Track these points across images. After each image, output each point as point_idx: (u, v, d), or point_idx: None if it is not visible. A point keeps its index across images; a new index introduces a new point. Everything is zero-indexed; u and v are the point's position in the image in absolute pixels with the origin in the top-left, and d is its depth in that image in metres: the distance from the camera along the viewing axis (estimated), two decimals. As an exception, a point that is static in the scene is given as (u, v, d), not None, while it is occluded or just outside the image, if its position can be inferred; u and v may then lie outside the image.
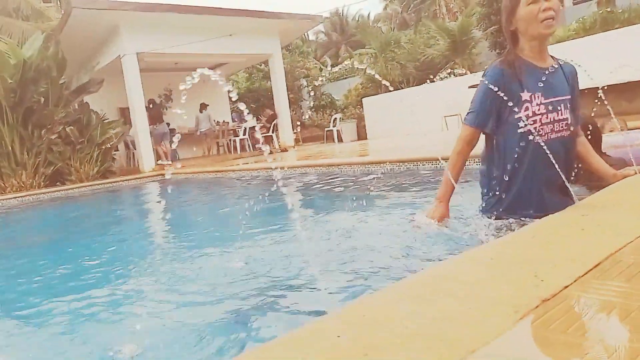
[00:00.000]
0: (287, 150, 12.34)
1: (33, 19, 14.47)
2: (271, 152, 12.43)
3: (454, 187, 1.95)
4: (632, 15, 8.68)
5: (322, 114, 16.65)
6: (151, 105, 11.49)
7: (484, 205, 1.99)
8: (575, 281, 0.94)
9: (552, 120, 1.83)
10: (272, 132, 13.38)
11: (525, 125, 1.80)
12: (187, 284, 2.00)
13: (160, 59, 11.74)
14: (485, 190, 1.98)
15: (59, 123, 9.20)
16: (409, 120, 11.31)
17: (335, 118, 13.99)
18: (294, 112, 17.04)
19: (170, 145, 11.84)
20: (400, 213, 2.74)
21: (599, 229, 1.30)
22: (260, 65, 17.51)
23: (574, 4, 17.54)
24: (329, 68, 23.13)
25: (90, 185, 8.81)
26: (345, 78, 20.37)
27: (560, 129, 1.84)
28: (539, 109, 1.82)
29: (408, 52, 13.95)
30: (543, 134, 1.81)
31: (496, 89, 1.82)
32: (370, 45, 16.78)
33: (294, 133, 14.13)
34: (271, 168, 7.19)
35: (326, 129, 14.19)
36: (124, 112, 12.82)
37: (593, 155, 1.99)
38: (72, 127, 9.31)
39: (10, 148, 8.84)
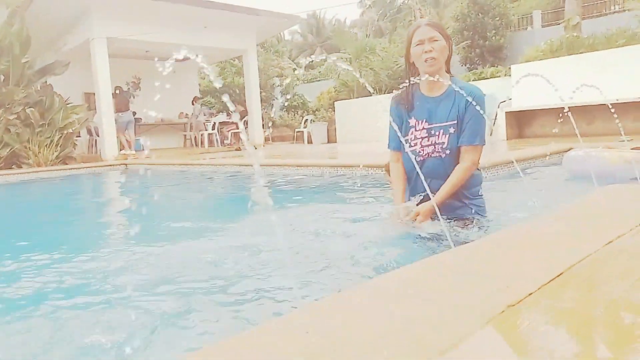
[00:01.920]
0: (256, 148, 12.25)
1: (-3, -7, 13.81)
2: (239, 149, 12.31)
3: (403, 193, 2.31)
4: (596, 41, 9.08)
5: (294, 115, 16.63)
6: (118, 92, 11.18)
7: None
8: (539, 289, 0.97)
9: (432, 142, 2.19)
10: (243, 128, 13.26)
11: (410, 146, 2.23)
12: (144, 275, 1.95)
13: (130, 46, 11.44)
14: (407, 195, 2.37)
15: (19, 103, 8.82)
16: (379, 127, 11.43)
17: (307, 119, 14.00)
18: (265, 111, 16.95)
19: (135, 135, 11.54)
20: (368, 216, 2.75)
21: (560, 240, 1.35)
22: (234, 61, 17.33)
23: (543, 26, 18.24)
24: (302, 69, 23.16)
25: (49, 171, 8.46)
26: (319, 80, 20.43)
27: (439, 150, 2.18)
28: (420, 133, 2.22)
29: (382, 60, 14.12)
30: (424, 154, 2.22)
31: (392, 120, 2.29)
32: (345, 50, 16.89)
33: (265, 131, 14.05)
34: (239, 164, 7.11)
35: (296, 130, 14.18)
36: (89, 98, 12.43)
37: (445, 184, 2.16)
38: (32, 109, 8.93)
39: (-38, 126, 8.41)
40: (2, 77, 8.86)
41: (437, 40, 2.11)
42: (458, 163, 2.17)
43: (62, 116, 9.40)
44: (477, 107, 2.08)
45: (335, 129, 13.32)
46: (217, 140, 13.39)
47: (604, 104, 6.68)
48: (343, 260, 1.89)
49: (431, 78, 2.12)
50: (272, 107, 18.29)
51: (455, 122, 2.15)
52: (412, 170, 2.24)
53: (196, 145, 13.76)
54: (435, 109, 2.20)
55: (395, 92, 2.32)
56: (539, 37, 15.00)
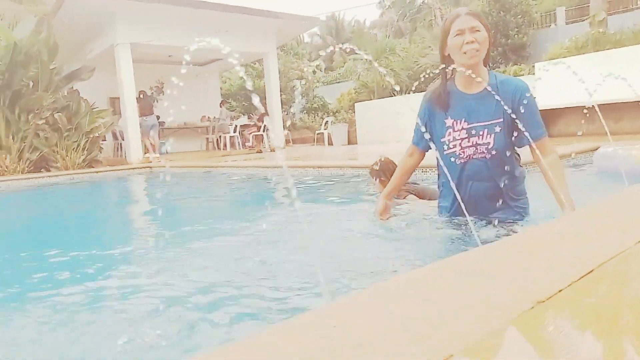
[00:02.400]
0: (273, 151, 12.31)
1: (26, 1, 14.24)
2: (260, 151, 12.39)
3: (394, 189, 2.30)
4: (622, 37, 8.85)
5: (314, 117, 16.65)
6: (142, 97, 11.39)
7: (437, 209, 2.30)
8: (569, 285, 0.95)
9: (474, 143, 2.02)
10: (263, 132, 13.34)
11: (448, 147, 2.07)
12: (175, 273, 1.98)
13: (153, 51, 11.65)
14: (439, 197, 2.29)
15: (47, 108, 9.07)
16: (398, 128, 11.37)
17: (327, 121, 14.00)
18: (285, 113, 17.02)
19: (158, 138, 11.73)
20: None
21: (591, 238, 1.32)
22: (255, 64, 17.46)
23: (567, 23, 17.85)
24: (322, 71, 23.19)
25: (76, 174, 8.67)
26: (339, 82, 20.42)
27: (482, 151, 2.02)
28: (459, 134, 2.04)
29: (402, 60, 14.05)
30: (464, 157, 2.05)
31: (421, 123, 2.13)
32: (365, 50, 16.86)
33: (286, 134, 14.12)
34: (261, 167, 7.16)
35: (317, 132, 14.20)
36: (114, 102, 12.69)
37: (551, 184, 1.97)
38: (60, 114, 9.17)
39: (-6, 131, 8.68)
40: (32, 83, 9.13)
41: (479, 31, 1.94)
42: (504, 165, 2.01)
43: (88, 120, 9.63)
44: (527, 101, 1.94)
45: (355, 130, 13.29)
46: (238, 142, 13.51)
47: (632, 102, 6.50)
48: (371, 261, 1.88)
49: (467, 72, 1.94)
50: (291, 110, 18.37)
51: (502, 119, 1.98)
52: (454, 174, 2.08)
53: (218, 148, 13.91)
54: (477, 107, 2.02)
55: (428, 88, 2.17)
56: (563, 35, 14.70)
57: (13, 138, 8.79)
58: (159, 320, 1.46)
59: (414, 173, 2.38)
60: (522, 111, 1.94)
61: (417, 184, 3.11)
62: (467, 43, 1.93)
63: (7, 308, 1.73)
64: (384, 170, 3.04)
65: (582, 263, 1.08)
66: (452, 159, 2.07)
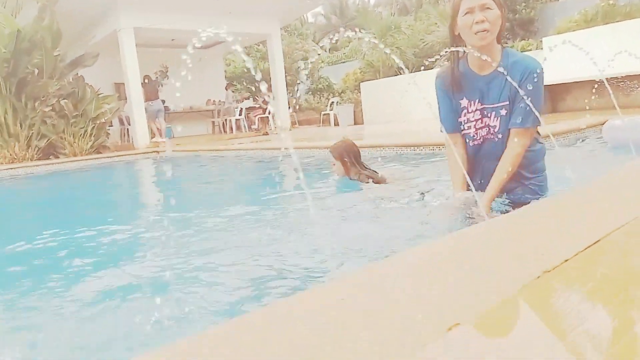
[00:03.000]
0: (277, 133, 12.29)
1: (28, -12, 14.15)
2: (266, 134, 12.38)
3: (463, 178, 2.06)
4: (633, 9, 8.66)
5: (319, 98, 16.56)
6: (146, 81, 11.38)
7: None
8: (575, 255, 0.96)
9: (485, 124, 2.00)
10: (269, 114, 13.31)
11: (463, 128, 2.05)
12: (190, 256, 2.01)
13: (157, 35, 11.59)
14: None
15: (53, 95, 9.09)
16: (406, 107, 11.29)
17: (333, 102, 13.93)
18: (291, 95, 16.94)
19: (165, 123, 11.75)
20: (400, 196, 2.75)
21: (598, 209, 1.32)
22: (258, 46, 17.32)
23: (576, -5, 17.45)
24: (327, 52, 22.96)
25: (84, 160, 8.74)
26: (344, 62, 20.23)
27: (492, 133, 2.00)
28: (473, 115, 2.01)
29: (408, 38, 13.86)
30: (478, 138, 2.03)
31: (442, 106, 2.08)
32: (370, 29, 16.63)
33: (290, 113, 14.06)
34: (268, 149, 7.17)
35: (323, 113, 14.14)
36: (119, 88, 12.68)
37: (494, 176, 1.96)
38: (66, 100, 9.20)
39: (3, 119, 8.73)
40: (36, 71, 9.14)
41: (490, 9, 1.83)
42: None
43: (94, 106, 9.65)
44: (528, 85, 1.86)
45: (361, 110, 13.22)
46: (244, 125, 13.50)
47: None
48: (379, 242, 1.90)
49: (477, 54, 1.85)
50: (297, 91, 18.27)
51: (507, 102, 1.94)
52: (469, 154, 2.08)
53: (224, 131, 13.91)
54: (488, 88, 1.96)
55: (439, 70, 2.09)
56: (571, 8, 14.37)
57: (21, 126, 8.85)
58: (163, 300, 1.49)
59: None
60: (519, 96, 1.88)
61: (377, 172, 3.08)
62: (477, 23, 1.82)
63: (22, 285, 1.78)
64: (348, 152, 3.01)
65: (588, 234, 1.09)
66: (467, 140, 2.04)
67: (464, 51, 1.97)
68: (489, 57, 1.90)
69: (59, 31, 9.22)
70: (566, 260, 0.94)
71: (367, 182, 2.90)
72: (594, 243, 1.03)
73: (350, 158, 3.01)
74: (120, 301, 1.56)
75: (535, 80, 1.88)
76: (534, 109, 1.86)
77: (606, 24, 8.25)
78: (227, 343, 0.71)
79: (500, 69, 1.89)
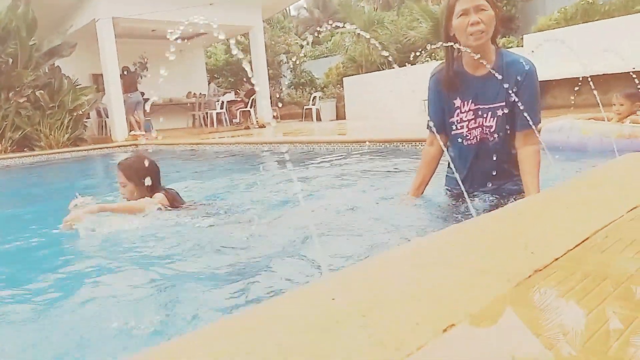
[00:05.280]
0: (265, 127, 12.21)
1: (1, -25, 13.71)
2: (247, 128, 12.28)
3: (421, 182, 2.18)
4: (612, 7, 8.83)
5: (302, 92, 16.49)
6: (125, 73, 11.14)
7: (445, 180, 2.31)
8: (565, 254, 0.96)
9: (480, 124, 2.01)
10: (250, 108, 13.20)
11: (456, 128, 2.05)
12: (167, 250, 1.97)
13: (136, 25, 11.34)
14: (448, 168, 2.27)
15: (28, 86, 8.83)
16: (388, 102, 11.31)
17: (315, 96, 13.88)
18: (273, 88, 16.82)
19: (144, 115, 11.54)
20: (386, 190, 2.75)
21: (585, 206, 1.33)
22: (240, 38, 17.13)
23: (555, -6, 17.71)
24: (309, 46, 22.84)
25: (61, 152, 8.53)
26: (327, 56, 20.17)
27: (486, 133, 2.01)
28: (466, 115, 2.02)
29: (390, 34, 13.88)
30: (471, 137, 2.04)
31: (432, 105, 2.08)
32: (352, 23, 16.61)
33: (274, 109, 13.98)
34: (248, 143, 7.11)
35: (305, 107, 14.08)
36: (97, 79, 12.40)
37: (523, 174, 2.00)
38: (42, 91, 8.95)
39: (-26, 110, 8.46)
40: (11, 60, 8.85)
41: (484, 10, 1.83)
42: (506, 145, 2.01)
43: (71, 98, 9.41)
44: (527, 85, 1.90)
45: (344, 105, 13.21)
46: (225, 119, 13.36)
47: (621, 73, 6.52)
48: (366, 233, 1.89)
49: (473, 55, 1.87)
50: (280, 85, 18.16)
51: (504, 103, 1.95)
52: (461, 153, 2.09)
53: (205, 125, 13.75)
54: (483, 89, 1.98)
55: (434, 69, 2.09)
56: (551, 6, 14.59)
57: (-6, 117, 8.58)
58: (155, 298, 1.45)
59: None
60: (523, 97, 1.91)
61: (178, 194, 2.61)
62: (472, 24, 1.83)
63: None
64: (146, 172, 2.41)
65: (576, 231, 1.09)
66: (460, 140, 2.06)
67: (459, 51, 1.99)
68: (484, 59, 1.92)
69: (35, 20, 8.94)
70: (556, 259, 0.94)
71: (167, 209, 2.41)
72: (583, 241, 1.03)
73: (138, 178, 2.43)
74: (92, 301, 1.50)
75: (533, 79, 1.93)
76: (538, 108, 1.93)
77: (585, 22, 8.40)
78: (217, 344, 0.68)
79: (494, 72, 1.91)
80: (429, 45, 2.01)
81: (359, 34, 15.38)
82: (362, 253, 1.69)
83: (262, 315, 0.80)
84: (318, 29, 1.99)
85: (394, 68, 13.04)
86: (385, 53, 1.98)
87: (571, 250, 0.98)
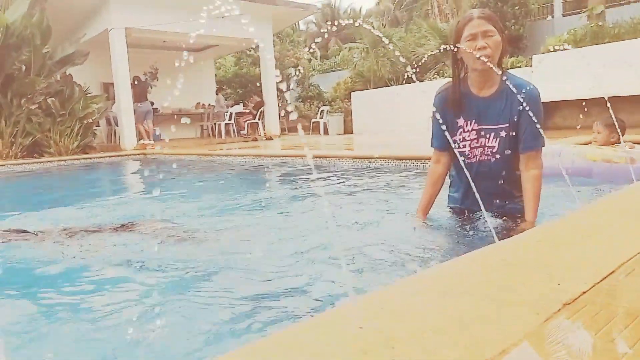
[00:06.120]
0: (272, 139, 12.26)
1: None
2: (255, 139, 12.33)
3: (428, 201, 2.19)
4: (621, 31, 8.87)
5: (309, 105, 16.57)
6: (136, 82, 11.25)
7: (448, 198, 2.34)
8: (593, 287, 0.95)
9: (481, 144, 2.06)
10: (258, 120, 13.26)
11: (458, 146, 2.09)
12: (182, 266, 1.96)
13: (148, 36, 11.48)
14: (450, 186, 2.31)
15: (40, 93, 8.92)
16: (396, 118, 11.35)
17: (323, 110, 13.94)
18: (281, 101, 16.91)
19: (153, 125, 11.62)
20: (396, 209, 2.73)
21: (606, 235, 1.32)
22: (250, 51, 17.29)
23: (564, 15, 17.84)
24: (318, 59, 23.02)
25: (70, 159, 8.58)
26: (334, 71, 20.30)
27: (487, 153, 2.06)
28: (469, 135, 2.07)
29: (399, 50, 13.97)
30: (472, 156, 2.08)
31: (439, 118, 2.07)
32: (361, 39, 16.74)
33: (281, 121, 14.02)
34: (256, 155, 7.13)
35: (312, 120, 14.14)
36: (108, 88, 12.53)
37: (525, 198, 2.04)
38: (53, 99, 9.04)
39: (-13, 115, 8.55)
40: (24, 67, 8.97)
41: (492, 36, 1.91)
42: (507, 166, 2.05)
43: (82, 106, 9.49)
44: (531, 109, 1.93)
45: (351, 120, 13.26)
46: (233, 130, 13.43)
47: (633, 96, 6.53)
48: (382, 253, 1.88)
49: (485, 64, 1.90)
50: (286, 99, 18.23)
51: (507, 125, 2.00)
52: (462, 172, 2.12)
53: (213, 135, 13.81)
54: (486, 110, 2.03)
55: (440, 88, 2.14)
56: (559, 27, 14.69)
57: (5, 123, 8.65)
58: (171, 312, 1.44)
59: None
60: (527, 120, 1.96)
61: None
62: (479, 49, 1.89)
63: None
64: None
65: (601, 262, 1.08)
66: (462, 158, 2.08)
67: (465, 72, 2.08)
68: (490, 81, 2.00)
69: (49, 28, 9.07)
70: (584, 292, 0.93)
71: None
72: (610, 274, 1.02)
73: None
74: (94, 314, 1.49)
75: (537, 103, 1.98)
76: (541, 131, 1.95)
77: (595, 44, 8.42)
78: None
79: (499, 94, 1.98)
80: (433, 62, 2.04)
81: (367, 50, 15.50)
82: (376, 273, 1.67)
83: (283, 342, 0.79)
84: (329, 23, 1.98)
85: (401, 84, 13.09)
86: (403, 60, 2.00)
87: (598, 283, 0.97)
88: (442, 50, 2.08)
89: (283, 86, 17.10)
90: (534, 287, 0.97)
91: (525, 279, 1.03)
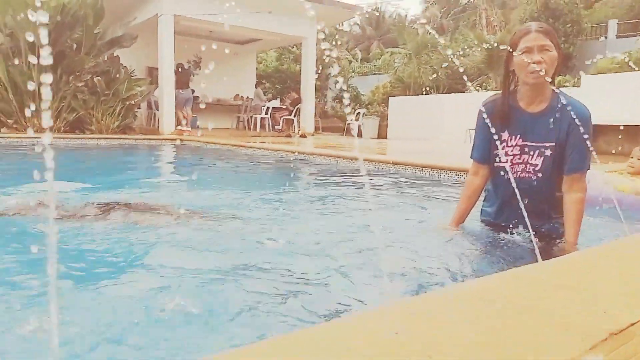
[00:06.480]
0: (306, 137, 12.30)
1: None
2: (289, 136, 12.39)
3: (463, 214, 2.16)
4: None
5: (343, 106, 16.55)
6: (180, 70, 11.48)
7: (481, 212, 2.29)
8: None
9: (524, 161, 2.00)
10: (294, 116, 13.33)
11: (499, 161, 2.03)
12: (211, 257, 1.98)
13: (195, 25, 11.70)
14: (484, 200, 2.27)
15: (88, 72, 9.22)
16: (432, 127, 11.21)
17: (359, 112, 13.90)
18: (318, 100, 16.96)
19: (192, 112, 11.84)
20: (431, 217, 2.69)
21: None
22: (292, 47, 17.41)
23: (618, 37, 17.23)
24: (358, 61, 22.96)
25: (109, 138, 8.84)
26: (374, 74, 20.22)
27: (529, 171, 2.00)
28: (512, 150, 2.01)
29: (443, 59, 13.80)
30: (513, 172, 2.01)
31: (482, 135, 2.05)
32: (404, 45, 16.60)
33: (316, 120, 14.06)
34: (287, 151, 7.16)
35: (347, 122, 14.11)
36: (152, 72, 12.82)
37: (566, 220, 1.97)
38: (99, 78, 9.33)
39: (37, 88, 8.87)
40: (75, 46, 9.28)
41: (548, 51, 1.84)
42: (548, 186, 1.99)
43: (126, 87, 9.77)
44: (581, 129, 1.88)
45: (387, 124, 13.17)
46: (269, 124, 13.54)
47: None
48: (419, 264, 1.85)
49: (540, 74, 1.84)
50: (325, 98, 18.28)
51: (554, 144, 1.94)
52: (500, 187, 2.08)
53: (248, 128, 13.97)
54: (533, 126, 1.97)
55: (486, 99, 2.10)
56: (612, 48, 14.22)
57: (53, 97, 8.97)
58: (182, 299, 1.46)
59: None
60: (575, 141, 1.91)
61: None
62: (534, 63, 1.83)
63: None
64: None
65: (651, 295, 1.03)
66: (502, 173, 2.03)
67: (515, 85, 2.03)
68: (541, 97, 1.95)
69: (102, 9, 9.36)
70: (632, 324, 0.88)
71: None
72: (660, 307, 0.97)
73: None
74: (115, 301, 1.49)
75: (587, 124, 1.91)
76: (590, 153, 1.89)
77: (650, 69, 8.09)
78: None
79: (549, 111, 1.92)
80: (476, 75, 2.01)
81: (409, 56, 15.35)
82: (407, 280, 1.65)
83: (316, 341, 0.78)
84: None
85: (429, 94, 12.92)
86: (456, 61, 1.98)
87: (648, 315, 0.92)
88: (503, 49, 2.04)
89: (330, 82, 17.06)
90: (579, 312, 0.93)
91: (569, 302, 0.99)
